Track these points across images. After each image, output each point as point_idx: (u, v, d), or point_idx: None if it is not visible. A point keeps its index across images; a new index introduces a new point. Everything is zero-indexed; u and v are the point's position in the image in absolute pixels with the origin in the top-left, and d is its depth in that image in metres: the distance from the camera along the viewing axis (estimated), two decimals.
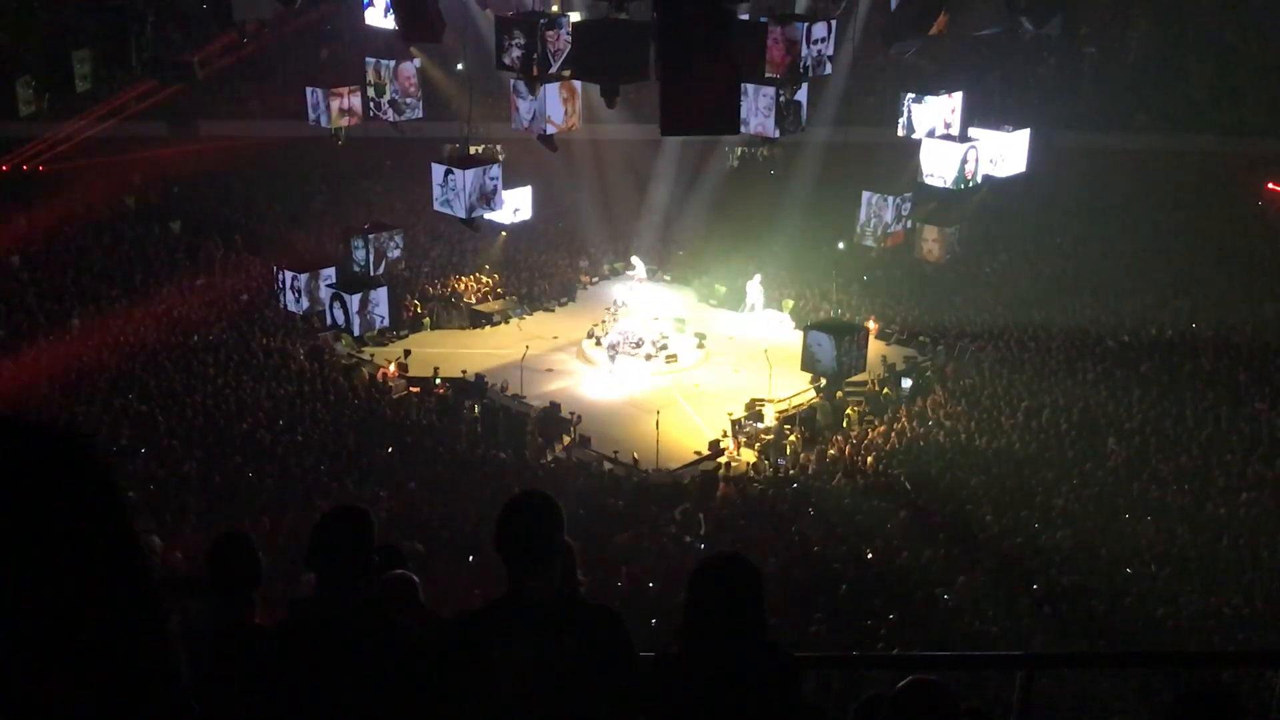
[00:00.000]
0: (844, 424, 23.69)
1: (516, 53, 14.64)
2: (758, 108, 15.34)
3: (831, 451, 22.43)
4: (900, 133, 17.59)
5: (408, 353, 26.92)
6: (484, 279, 31.64)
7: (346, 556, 3.98)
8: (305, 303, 19.89)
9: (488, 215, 17.35)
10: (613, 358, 26.58)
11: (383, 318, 19.70)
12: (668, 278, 33.49)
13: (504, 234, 29.77)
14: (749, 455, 22.87)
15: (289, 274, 20.20)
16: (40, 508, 1.04)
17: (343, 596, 3.97)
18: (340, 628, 3.92)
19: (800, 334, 18.62)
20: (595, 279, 33.27)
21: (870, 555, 17.42)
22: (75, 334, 25.03)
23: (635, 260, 31.11)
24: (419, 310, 29.33)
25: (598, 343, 27.62)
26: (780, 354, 24.78)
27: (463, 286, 31.12)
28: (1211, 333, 25.80)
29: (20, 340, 24.31)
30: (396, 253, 19.55)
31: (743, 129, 14.69)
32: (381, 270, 19.32)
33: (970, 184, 17.29)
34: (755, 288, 30.53)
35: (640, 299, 29.29)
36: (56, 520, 1.04)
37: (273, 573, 6.58)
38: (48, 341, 24.45)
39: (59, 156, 31.55)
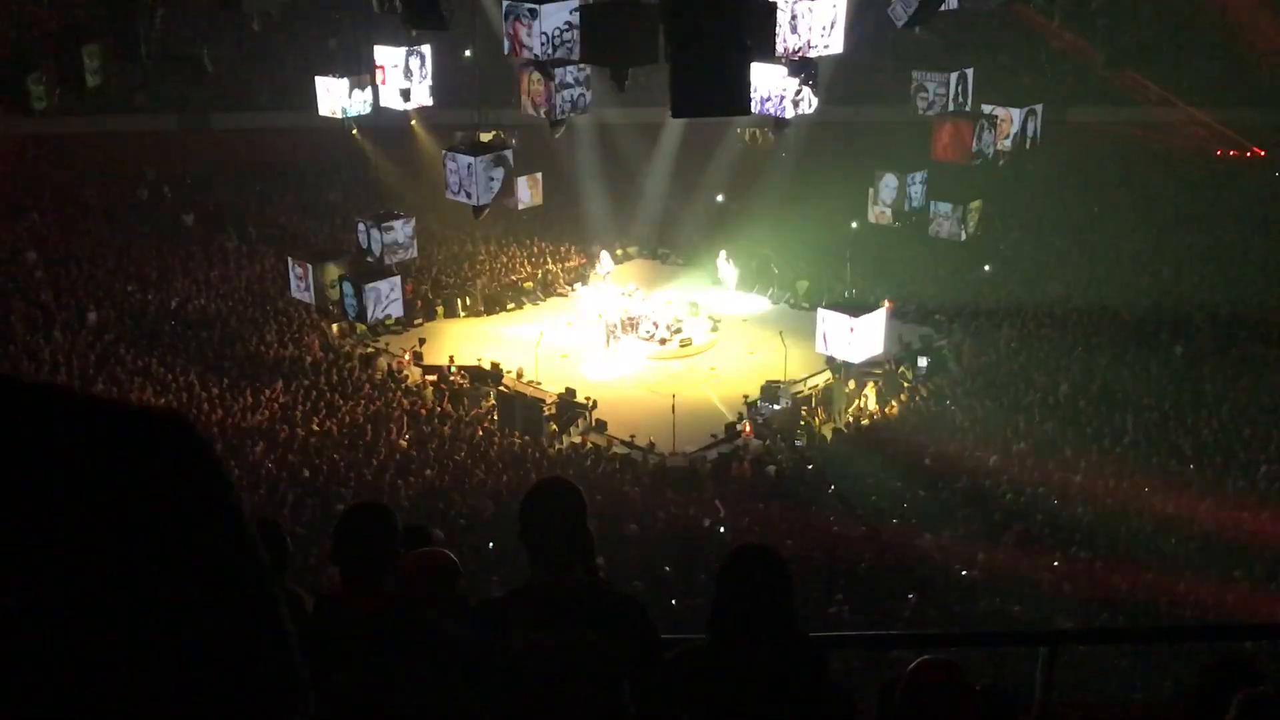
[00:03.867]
0: (860, 403, 23.68)
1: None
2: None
3: (848, 432, 22.42)
4: (921, 111, 17.53)
5: (422, 341, 26.97)
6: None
7: (371, 554, 3.98)
8: (318, 293, 19.97)
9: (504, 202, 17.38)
10: (611, 338, 26.74)
11: (396, 306, 19.77)
12: (680, 261, 33.49)
13: (524, 219, 29.81)
14: (765, 437, 22.85)
15: (302, 265, 20.28)
16: (153, 491, 1.01)
17: (368, 593, 3.98)
18: (366, 624, 3.93)
19: (816, 314, 18.59)
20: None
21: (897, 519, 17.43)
22: (92, 328, 25.14)
23: (603, 254, 31.20)
24: (429, 298, 29.35)
25: (609, 326, 27.67)
26: (795, 335, 24.74)
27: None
28: (1229, 306, 25.65)
29: (38, 336, 24.42)
30: (407, 239, 19.59)
31: (753, 110, 14.64)
32: (395, 259, 19.38)
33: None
34: (724, 264, 30.68)
35: (606, 295, 29.33)
36: (169, 504, 1.01)
37: (294, 563, 6.61)
38: (65, 336, 24.58)
39: (71, 151, 31.65)
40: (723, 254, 31.00)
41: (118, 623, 0.97)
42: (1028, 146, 19.67)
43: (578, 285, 31.26)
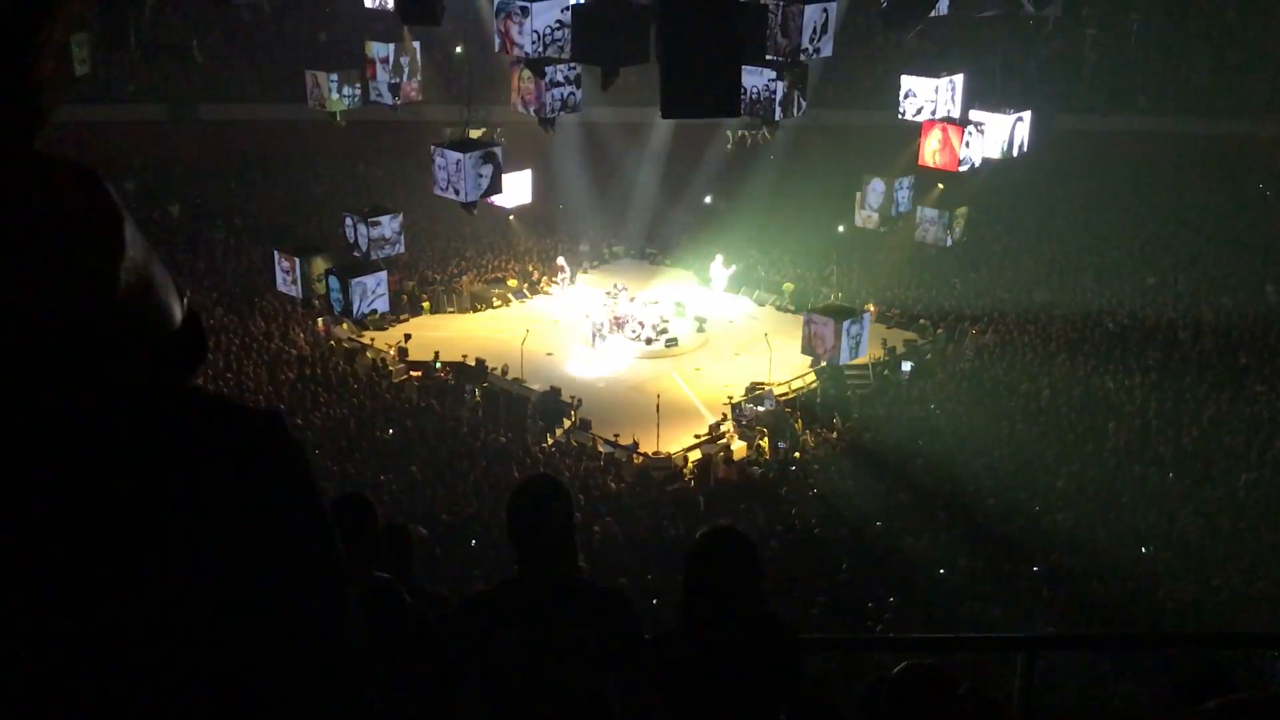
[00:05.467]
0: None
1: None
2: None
3: (832, 435, 22.47)
4: (910, 116, 17.57)
5: (408, 337, 26.92)
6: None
7: (351, 544, 3.99)
8: (304, 287, 19.88)
9: (492, 199, 17.35)
10: (597, 337, 26.75)
11: (382, 301, 19.69)
12: (668, 261, 33.51)
13: (512, 218, 29.79)
14: (749, 438, 22.87)
15: (288, 258, 20.17)
16: (239, 490, 1.00)
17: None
18: None
19: (801, 317, 18.60)
20: (596, 263, 33.28)
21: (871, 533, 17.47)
22: None
23: (561, 261, 31.11)
24: (415, 294, 29.30)
25: (595, 325, 27.69)
26: (780, 337, 24.78)
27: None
28: (1212, 315, 25.79)
29: None
30: (394, 235, 19.53)
31: (743, 111, 14.67)
32: (382, 255, 19.31)
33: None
34: (718, 268, 30.67)
35: (568, 300, 29.19)
36: (254, 504, 1.01)
37: None
38: None
39: (58, 141, 31.43)
40: (719, 258, 30.92)
41: (199, 612, 0.97)
42: (1015, 154, 19.72)
43: (564, 283, 31.23)
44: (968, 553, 16.54)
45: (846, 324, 17.86)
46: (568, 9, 14.36)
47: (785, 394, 24.38)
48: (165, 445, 0.98)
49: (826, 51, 15.03)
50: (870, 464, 20.51)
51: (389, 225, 19.69)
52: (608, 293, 28.96)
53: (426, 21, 15.00)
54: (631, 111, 29.88)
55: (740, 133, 34.80)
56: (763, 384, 24.33)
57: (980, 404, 22.56)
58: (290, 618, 1.03)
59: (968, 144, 17.55)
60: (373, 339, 26.90)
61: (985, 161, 18.23)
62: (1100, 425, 21.07)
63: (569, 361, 26.59)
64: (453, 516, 17.62)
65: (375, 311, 20.30)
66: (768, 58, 14.94)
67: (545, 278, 31.61)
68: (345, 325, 25.88)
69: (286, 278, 20.43)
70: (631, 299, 28.77)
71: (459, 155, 16.50)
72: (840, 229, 29.23)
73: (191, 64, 34.36)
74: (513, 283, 31.04)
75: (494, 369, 25.37)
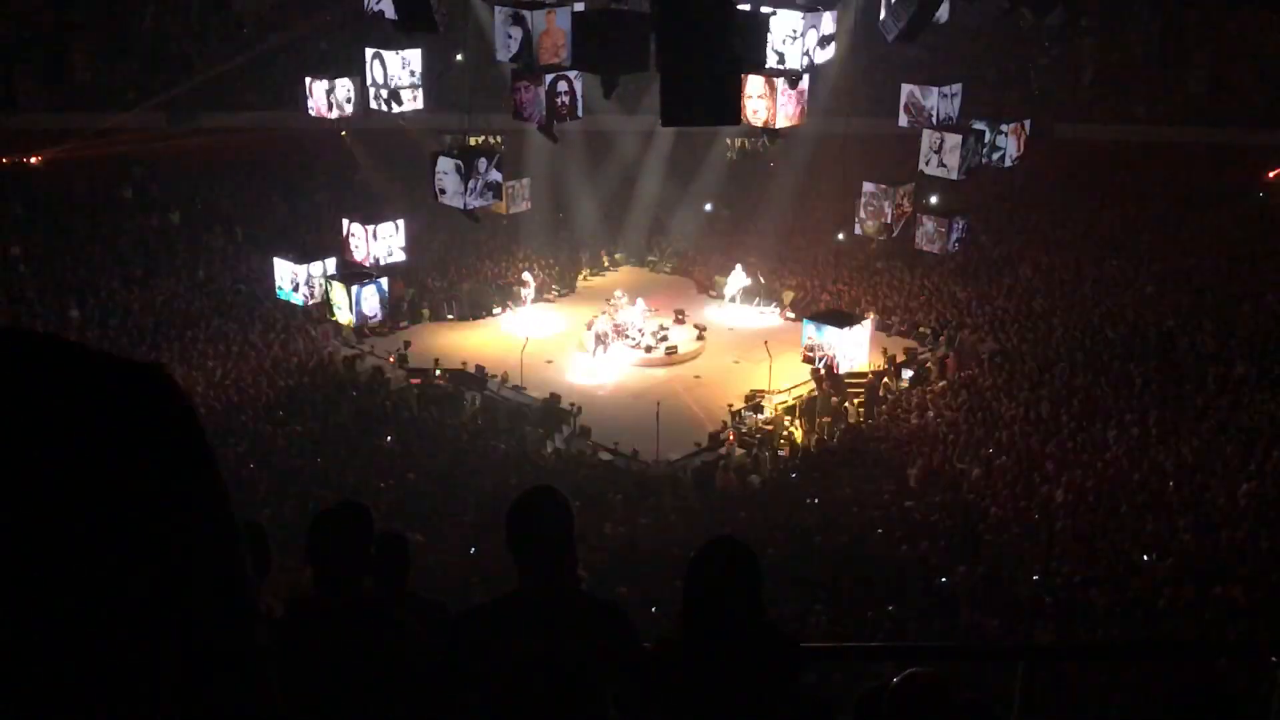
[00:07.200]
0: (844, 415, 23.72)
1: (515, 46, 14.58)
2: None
3: (832, 443, 22.46)
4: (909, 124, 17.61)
5: (407, 344, 26.92)
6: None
7: (345, 553, 3.98)
8: (305, 294, 19.91)
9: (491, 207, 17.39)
10: (599, 345, 26.72)
11: (381, 308, 19.71)
12: (668, 269, 33.52)
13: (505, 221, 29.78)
14: (749, 446, 22.86)
15: (289, 265, 20.20)
16: (130, 439, 0.94)
17: (342, 593, 3.97)
18: (341, 625, 3.92)
19: (801, 325, 18.64)
20: (596, 270, 33.28)
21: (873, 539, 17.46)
22: (74, 325, 25.03)
23: (526, 276, 30.91)
24: (415, 301, 29.29)
25: (597, 334, 27.67)
26: (780, 345, 24.76)
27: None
28: (1211, 324, 25.78)
29: None
30: (394, 242, 19.56)
31: (744, 120, 14.71)
32: (383, 262, 19.34)
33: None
34: (737, 278, 30.63)
35: (527, 320, 29.12)
36: (144, 453, 0.95)
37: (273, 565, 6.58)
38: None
39: (58, 148, 31.51)
40: (739, 266, 30.80)
41: (79, 569, 0.91)
42: (1014, 163, 19.76)
43: (527, 300, 30.93)
44: (967, 561, 16.52)
45: (846, 332, 17.91)
46: (568, 18, 14.39)
47: (785, 402, 24.37)
48: (32, 401, 0.91)
49: (828, 60, 15.09)
50: (870, 472, 20.49)
51: (389, 232, 19.72)
52: (608, 300, 28.95)
53: (425, 29, 15.03)
54: (633, 119, 29.90)
55: (741, 141, 34.83)
56: (763, 392, 24.32)
57: (979, 412, 22.55)
58: (170, 571, 0.96)
59: (966, 152, 17.59)
60: (372, 346, 26.90)
61: (984, 170, 18.27)
62: (1099, 434, 21.05)
63: (569, 369, 26.57)
64: (451, 524, 17.61)
65: (375, 318, 20.34)
66: (768, 66, 14.99)
67: (546, 284, 31.59)
68: (345, 332, 25.89)
69: (287, 285, 20.46)
70: (631, 306, 28.74)
71: (459, 162, 16.53)
72: (840, 237, 29.23)
73: (192, 71, 34.39)
74: (519, 289, 30.96)
75: (493, 376, 25.36)
